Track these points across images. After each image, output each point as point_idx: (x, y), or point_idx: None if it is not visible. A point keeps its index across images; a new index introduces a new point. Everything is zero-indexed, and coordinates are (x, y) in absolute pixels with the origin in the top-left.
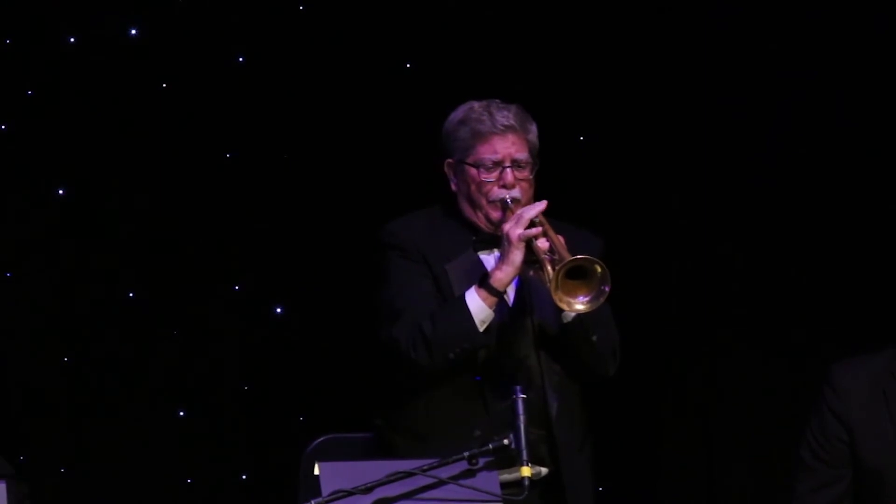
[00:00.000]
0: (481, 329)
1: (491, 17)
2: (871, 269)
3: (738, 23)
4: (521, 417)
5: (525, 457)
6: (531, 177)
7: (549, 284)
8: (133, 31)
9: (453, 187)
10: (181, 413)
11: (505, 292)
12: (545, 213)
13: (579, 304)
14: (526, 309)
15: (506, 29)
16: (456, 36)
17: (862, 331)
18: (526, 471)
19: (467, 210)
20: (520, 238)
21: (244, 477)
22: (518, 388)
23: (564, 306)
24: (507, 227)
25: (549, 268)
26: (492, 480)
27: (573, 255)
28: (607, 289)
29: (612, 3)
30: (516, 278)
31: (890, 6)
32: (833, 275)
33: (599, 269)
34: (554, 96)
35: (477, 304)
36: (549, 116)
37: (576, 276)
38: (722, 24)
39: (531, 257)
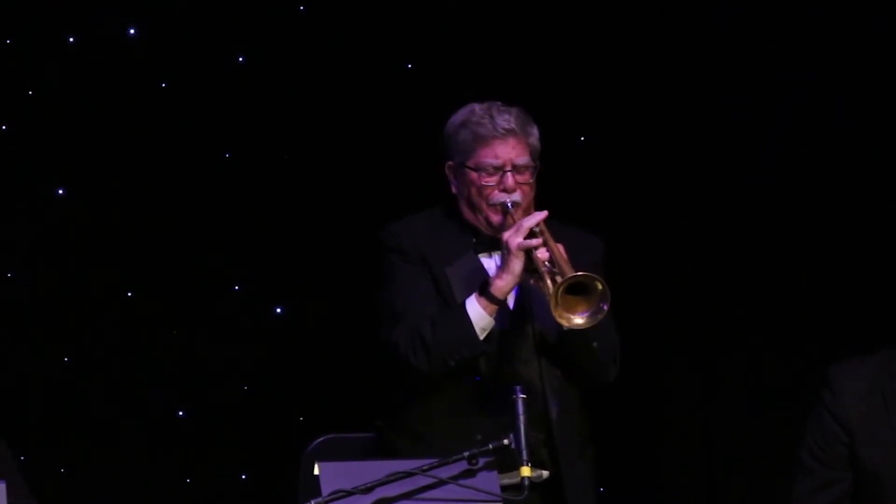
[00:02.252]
0: (482, 337)
1: (491, 17)
2: (871, 270)
3: (738, 23)
4: (521, 417)
5: (525, 457)
6: (532, 180)
7: (548, 298)
8: (133, 31)
9: (453, 189)
10: (181, 413)
11: (505, 300)
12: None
13: (579, 319)
14: (526, 315)
15: (506, 29)
16: (456, 36)
17: (861, 331)
18: (526, 471)
19: (467, 213)
20: (519, 247)
21: (244, 477)
22: (518, 387)
23: (564, 322)
24: (506, 235)
25: (548, 281)
26: (492, 480)
27: (573, 267)
28: (606, 307)
29: (612, 3)
30: (516, 286)
31: (890, 6)
32: (833, 275)
33: (600, 287)
34: (554, 96)
35: (477, 312)
36: (549, 116)
37: (576, 291)
38: (722, 24)
39: (531, 265)
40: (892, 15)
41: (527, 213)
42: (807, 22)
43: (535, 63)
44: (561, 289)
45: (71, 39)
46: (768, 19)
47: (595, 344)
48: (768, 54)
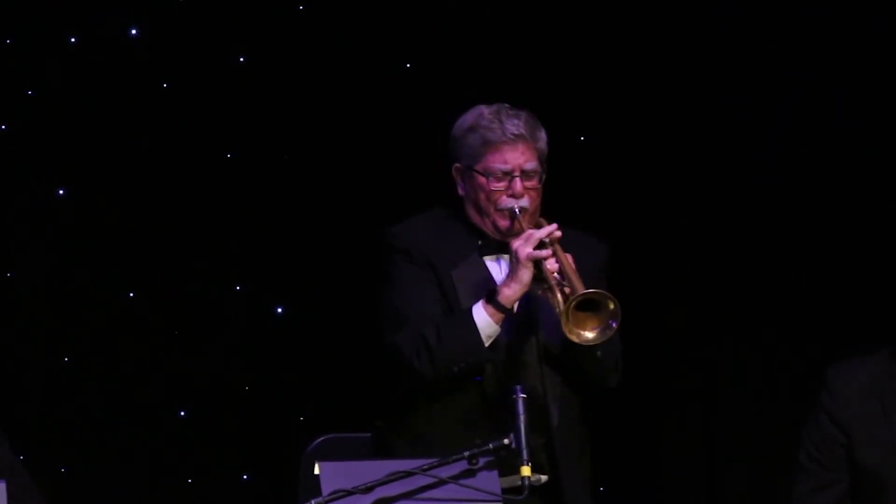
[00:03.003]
0: (487, 344)
1: (491, 17)
2: (871, 270)
3: (738, 23)
4: (522, 417)
5: (525, 456)
6: (539, 185)
7: (557, 312)
8: (133, 31)
9: (460, 192)
10: (181, 413)
11: (512, 308)
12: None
13: (588, 334)
14: (531, 322)
15: (506, 29)
16: (456, 36)
17: (860, 331)
18: (526, 470)
19: (474, 216)
20: (529, 258)
21: (244, 477)
22: (518, 387)
23: (574, 338)
24: (516, 244)
25: (558, 294)
26: (492, 480)
27: (582, 278)
28: (615, 325)
29: (612, 3)
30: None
31: (890, 6)
32: (832, 275)
33: (612, 306)
34: (554, 96)
35: (484, 320)
36: (549, 117)
37: (586, 307)
38: (722, 24)
39: (540, 276)
40: (892, 15)
41: (533, 217)
42: (807, 22)
43: (535, 63)
44: (572, 305)
45: (72, 39)
46: (768, 19)
47: (599, 352)
48: (768, 54)
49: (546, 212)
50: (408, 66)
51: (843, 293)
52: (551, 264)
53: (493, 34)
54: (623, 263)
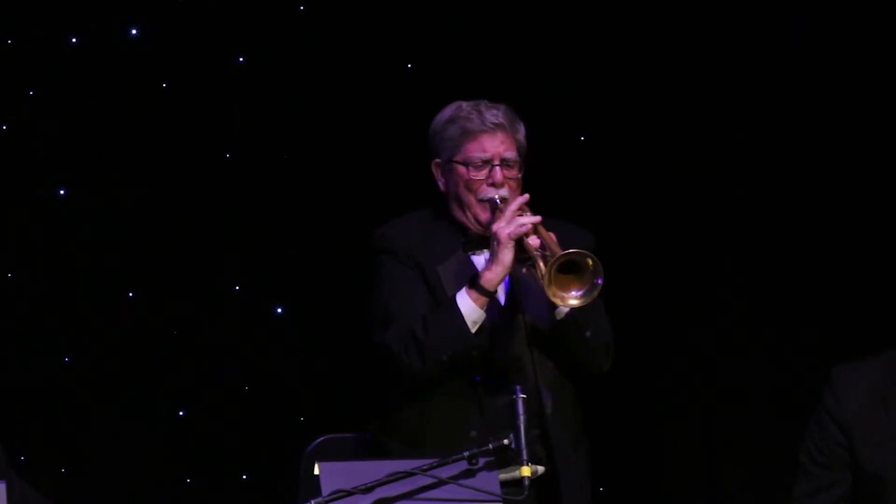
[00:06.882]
0: (473, 330)
1: (492, 17)
2: (874, 272)
3: (739, 22)
4: (521, 417)
5: (525, 456)
6: (519, 176)
7: (541, 281)
8: (133, 31)
9: (441, 187)
10: (181, 413)
11: (496, 292)
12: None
13: (573, 299)
14: (517, 308)
15: (506, 29)
16: (457, 36)
17: (864, 333)
18: (526, 470)
19: (456, 210)
20: (509, 236)
21: (244, 477)
22: (518, 388)
23: (559, 301)
24: (496, 226)
25: (541, 264)
26: (492, 480)
27: (565, 250)
28: (600, 281)
29: (611, 3)
30: (507, 277)
31: (890, 6)
32: (835, 276)
33: (591, 263)
34: (554, 96)
35: (468, 306)
36: (549, 117)
37: (568, 270)
38: (722, 24)
39: (523, 255)
40: (892, 15)
41: None
42: (808, 22)
43: (534, 63)
44: (553, 267)
45: (72, 39)
46: (768, 19)
47: (588, 332)
48: (768, 54)
49: (543, 209)
50: (409, 66)
51: (847, 294)
52: (533, 240)
53: (493, 34)
54: (622, 261)
